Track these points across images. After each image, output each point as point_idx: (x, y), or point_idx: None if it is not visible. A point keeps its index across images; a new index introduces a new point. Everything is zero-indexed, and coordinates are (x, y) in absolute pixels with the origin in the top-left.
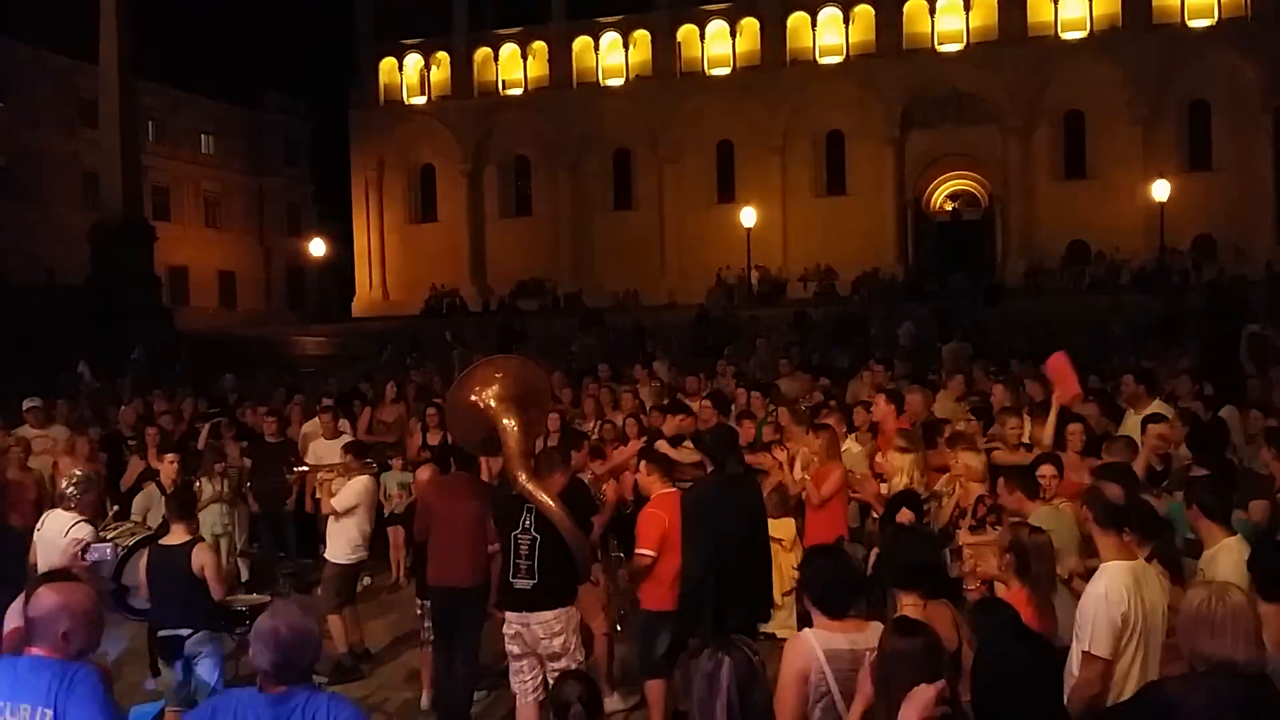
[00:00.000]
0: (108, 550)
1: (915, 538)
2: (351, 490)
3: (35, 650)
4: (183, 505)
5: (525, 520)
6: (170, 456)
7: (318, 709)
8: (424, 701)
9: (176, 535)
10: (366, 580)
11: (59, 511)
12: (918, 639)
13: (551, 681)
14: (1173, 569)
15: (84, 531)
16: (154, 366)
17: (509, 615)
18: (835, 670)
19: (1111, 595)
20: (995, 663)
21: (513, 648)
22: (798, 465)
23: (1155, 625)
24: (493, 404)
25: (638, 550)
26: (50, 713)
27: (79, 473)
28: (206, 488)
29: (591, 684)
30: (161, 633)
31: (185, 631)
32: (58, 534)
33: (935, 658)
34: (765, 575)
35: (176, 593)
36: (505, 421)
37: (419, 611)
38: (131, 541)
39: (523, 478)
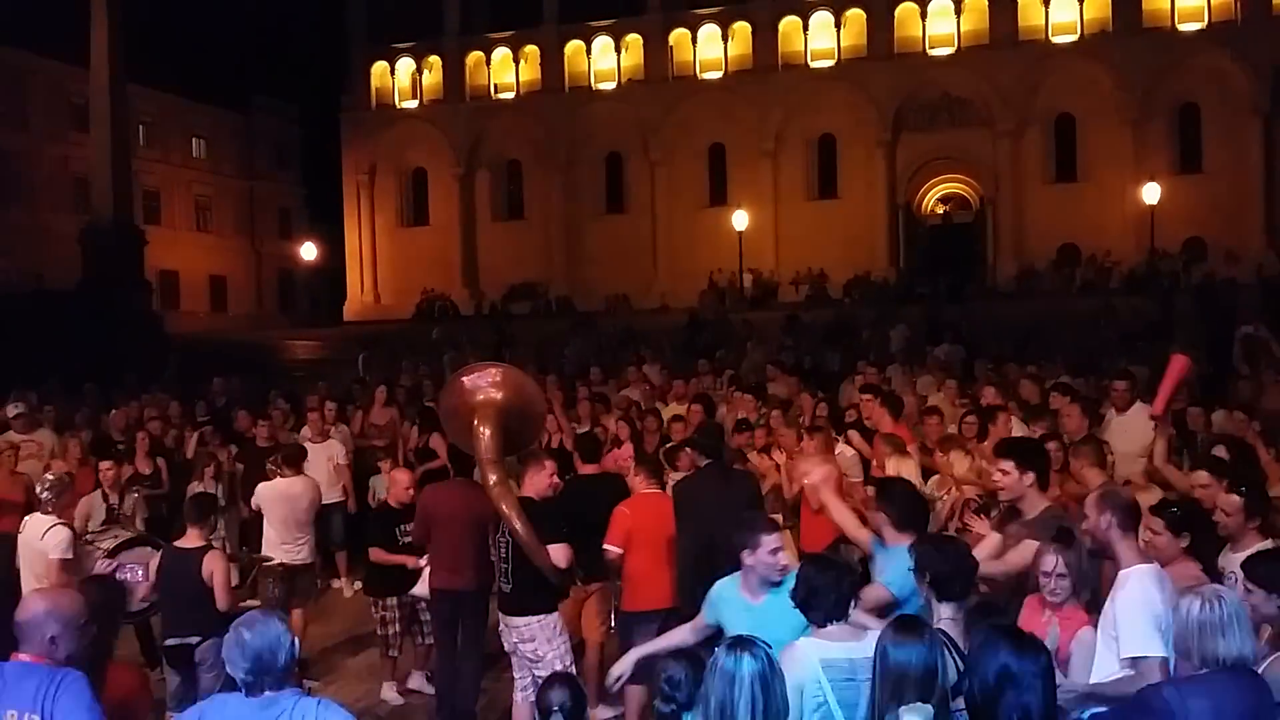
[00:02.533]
0: (140, 571)
1: (950, 547)
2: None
3: (22, 655)
4: (201, 509)
5: (503, 523)
6: (106, 464)
7: (306, 713)
8: (383, 692)
9: (191, 539)
10: (358, 585)
11: (38, 515)
12: (914, 636)
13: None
14: (1207, 566)
15: (61, 535)
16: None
17: (499, 614)
18: (832, 680)
19: (1149, 597)
20: (987, 668)
21: (505, 645)
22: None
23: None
24: (472, 409)
25: (604, 545)
26: (37, 718)
27: (51, 476)
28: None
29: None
30: (170, 640)
31: (194, 639)
32: (35, 537)
33: (931, 657)
34: None
35: (185, 598)
36: (480, 428)
37: (376, 613)
38: (113, 544)
39: (492, 480)
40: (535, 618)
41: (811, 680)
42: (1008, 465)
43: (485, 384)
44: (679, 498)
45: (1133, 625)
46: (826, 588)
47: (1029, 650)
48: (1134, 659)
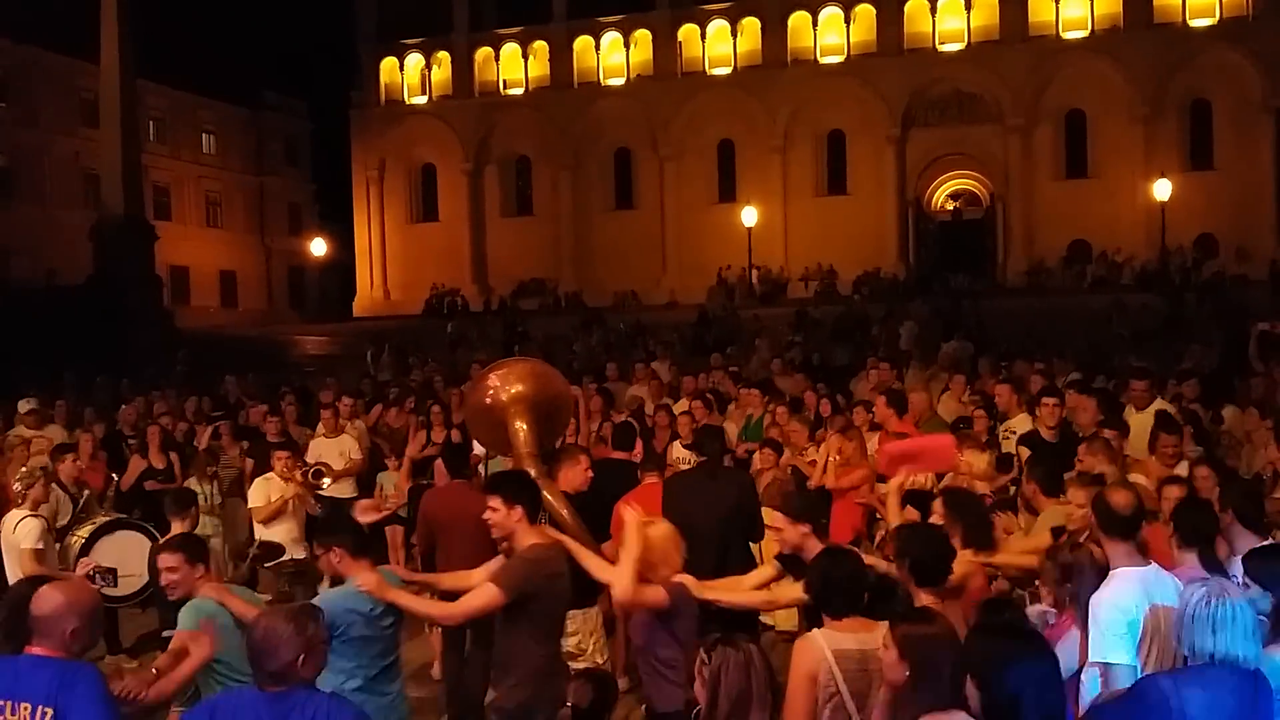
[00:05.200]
0: (112, 578)
1: (932, 534)
2: None
3: (35, 649)
4: (179, 502)
5: (542, 520)
6: (71, 455)
7: (317, 709)
8: (435, 671)
9: (174, 533)
10: None
11: (13, 510)
12: (941, 624)
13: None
14: (1212, 570)
15: (30, 525)
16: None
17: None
18: (844, 670)
19: (1120, 602)
20: (996, 666)
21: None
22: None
23: (1169, 634)
24: (506, 405)
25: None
26: (51, 711)
27: (24, 469)
28: (196, 490)
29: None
30: (165, 633)
31: None
32: (9, 530)
33: (957, 644)
34: (740, 568)
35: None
36: (516, 423)
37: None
38: (90, 530)
39: (532, 475)
40: (579, 611)
41: (824, 670)
42: (495, 501)
43: (515, 379)
44: (666, 493)
45: (1098, 629)
46: (842, 580)
47: (1039, 648)
48: (1102, 664)
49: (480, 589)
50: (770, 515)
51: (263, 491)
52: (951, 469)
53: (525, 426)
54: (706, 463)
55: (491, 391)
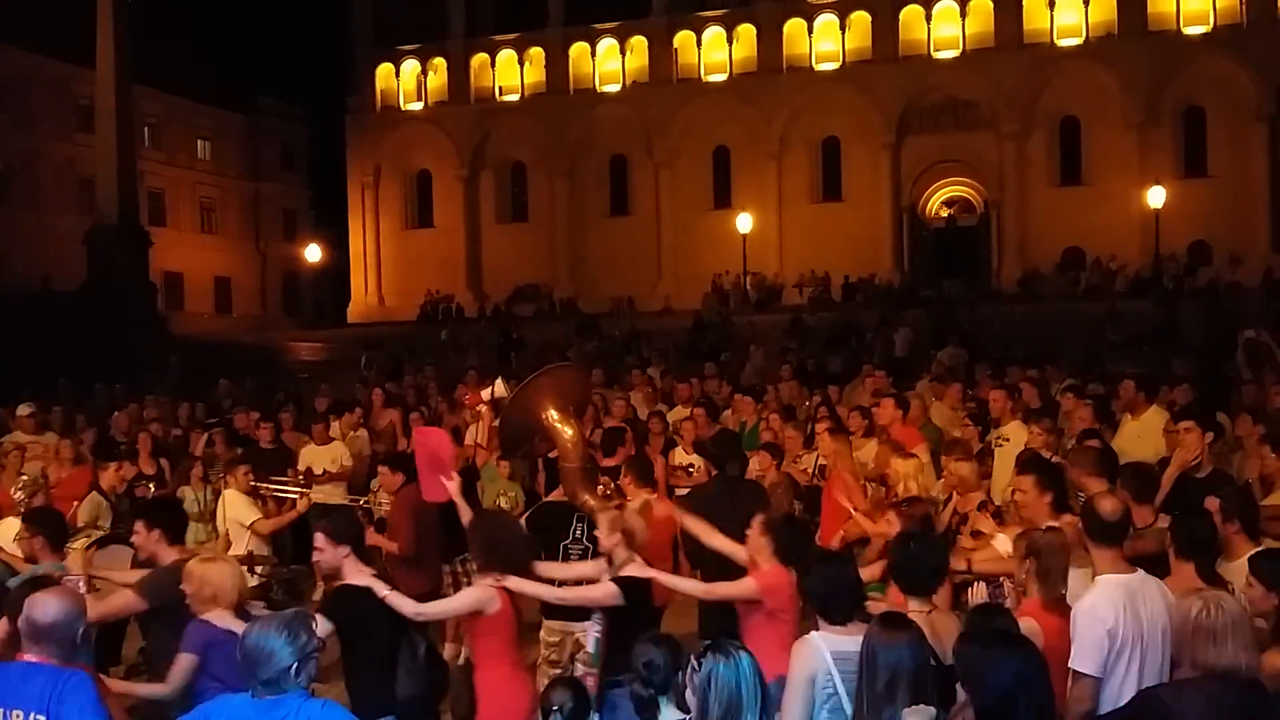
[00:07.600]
0: (81, 583)
1: (925, 544)
2: None
3: (29, 656)
4: (174, 517)
5: (576, 530)
6: (116, 464)
7: (310, 714)
8: (446, 651)
9: None
10: None
11: (9, 518)
12: (904, 633)
13: None
14: (1209, 581)
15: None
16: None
17: (550, 624)
18: (842, 672)
19: (1099, 610)
20: (988, 669)
21: (550, 655)
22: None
23: (1154, 641)
24: (555, 417)
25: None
26: (44, 718)
27: (25, 476)
28: (189, 497)
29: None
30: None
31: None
32: (7, 540)
33: (923, 653)
34: None
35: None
36: (567, 432)
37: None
38: (86, 542)
39: (586, 497)
40: (569, 623)
41: (822, 671)
42: (138, 526)
43: (560, 390)
44: (687, 509)
45: (1076, 636)
46: (845, 588)
47: (1028, 652)
48: (1073, 670)
49: (118, 595)
50: (316, 535)
51: (249, 505)
52: (450, 451)
53: (573, 433)
54: (721, 475)
55: (541, 401)
